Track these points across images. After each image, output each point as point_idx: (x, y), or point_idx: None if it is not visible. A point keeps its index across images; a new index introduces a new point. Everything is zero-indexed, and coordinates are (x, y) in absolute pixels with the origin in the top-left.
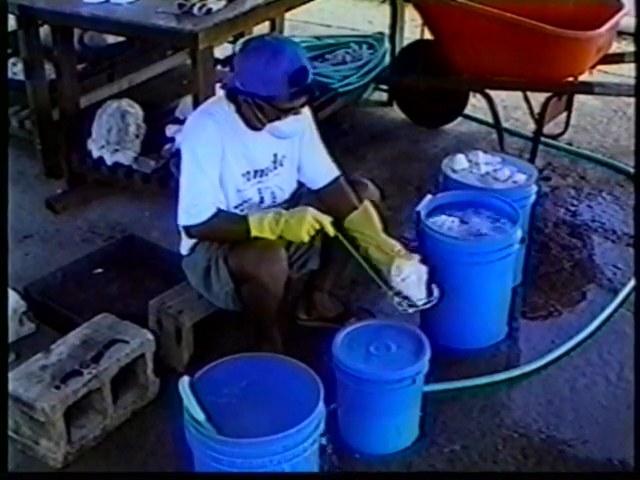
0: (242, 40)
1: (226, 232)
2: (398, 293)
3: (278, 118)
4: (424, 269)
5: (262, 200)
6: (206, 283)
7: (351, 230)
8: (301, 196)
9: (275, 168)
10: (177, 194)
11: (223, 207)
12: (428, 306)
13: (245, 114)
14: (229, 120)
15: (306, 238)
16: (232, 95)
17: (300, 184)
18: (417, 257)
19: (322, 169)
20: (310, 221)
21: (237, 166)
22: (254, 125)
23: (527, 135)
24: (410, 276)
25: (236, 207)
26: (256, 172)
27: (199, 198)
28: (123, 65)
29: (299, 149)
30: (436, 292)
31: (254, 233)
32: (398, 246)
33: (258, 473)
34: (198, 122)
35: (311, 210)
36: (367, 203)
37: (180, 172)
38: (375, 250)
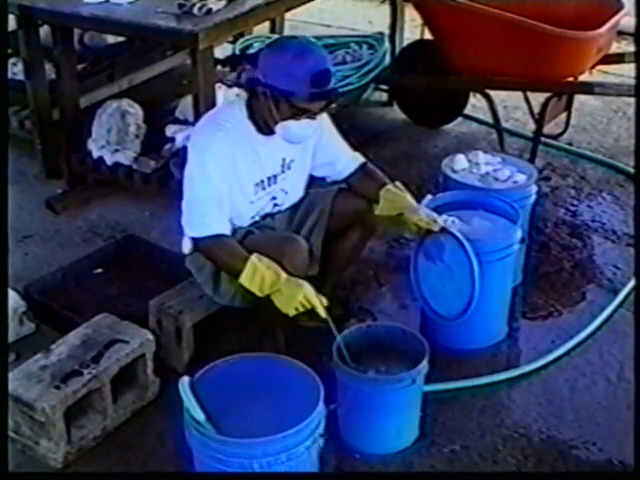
0: (241, 40)
1: (222, 263)
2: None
3: (292, 117)
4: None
5: (276, 205)
6: (215, 280)
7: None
8: (316, 201)
9: (283, 172)
10: (177, 195)
11: (234, 222)
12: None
13: (260, 110)
14: (240, 128)
15: (292, 313)
16: (251, 86)
17: (308, 189)
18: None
19: (344, 160)
20: (301, 300)
21: (250, 175)
22: (266, 126)
23: (527, 135)
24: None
25: (252, 217)
26: (269, 179)
27: (206, 209)
28: (123, 65)
29: (313, 153)
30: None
31: (242, 281)
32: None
33: (258, 473)
34: (207, 133)
35: (307, 289)
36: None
37: (184, 180)
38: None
